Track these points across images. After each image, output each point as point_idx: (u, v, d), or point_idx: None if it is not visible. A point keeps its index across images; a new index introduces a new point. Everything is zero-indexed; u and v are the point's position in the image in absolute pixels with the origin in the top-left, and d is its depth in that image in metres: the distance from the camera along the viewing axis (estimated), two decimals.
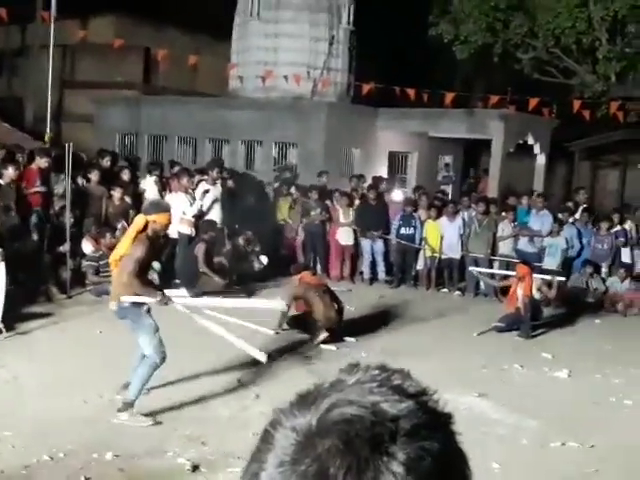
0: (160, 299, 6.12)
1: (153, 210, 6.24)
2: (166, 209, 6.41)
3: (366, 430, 0.69)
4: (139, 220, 6.18)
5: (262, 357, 6.52)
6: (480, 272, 11.85)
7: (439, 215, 12.81)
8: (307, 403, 0.74)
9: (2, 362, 7.27)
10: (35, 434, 5.59)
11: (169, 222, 6.40)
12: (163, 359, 6.05)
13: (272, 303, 8.70)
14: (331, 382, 0.77)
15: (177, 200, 11.47)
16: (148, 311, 6.11)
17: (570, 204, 13.84)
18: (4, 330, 8.14)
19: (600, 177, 21.37)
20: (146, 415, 6.04)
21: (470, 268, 12.06)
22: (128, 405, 6.00)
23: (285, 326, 9.12)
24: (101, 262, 10.43)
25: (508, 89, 17.70)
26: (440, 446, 0.71)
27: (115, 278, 6.24)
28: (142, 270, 6.12)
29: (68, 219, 10.31)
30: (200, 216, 11.72)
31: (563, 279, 11.36)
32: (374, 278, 13.05)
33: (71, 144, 10.45)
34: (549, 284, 10.83)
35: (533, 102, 16.40)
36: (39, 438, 5.52)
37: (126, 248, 6.05)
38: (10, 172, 10.24)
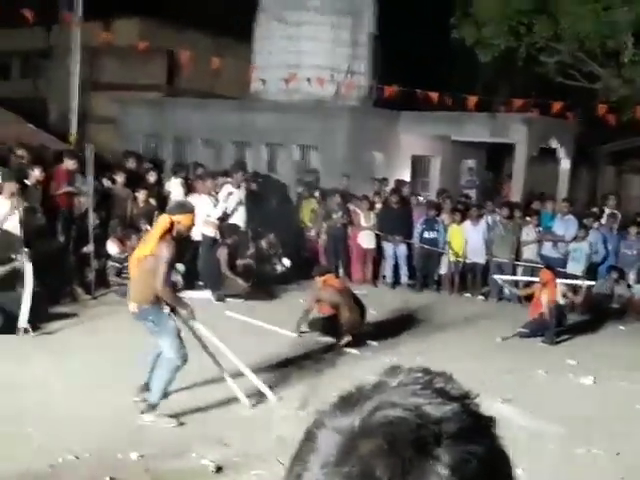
0: (189, 313, 6.10)
1: (178, 211, 6.19)
2: (190, 210, 6.34)
3: (410, 432, 0.69)
4: (164, 220, 6.09)
5: (269, 395, 6.42)
6: (504, 280, 11.78)
7: (463, 219, 12.75)
8: (350, 405, 0.74)
9: (28, 361, 7.33)
10: (60, 433, 5.63)
11: (193, 223, 6.34)
12: (185, 361, 6.00)
13: (285, 331, 8.83)
14: (373, 384, 0.77)
15: (201, 202, 11.50)
16: (170, 312, 6.06)
17: (595, 209, 13.71)
18: (30, 330, 8.20)
19: (624, 182, 21.18)
20: (170, 416, 6.05)
21: (494, 276, 11.98)
22: (151, 407, 6.00)
23: (306, 329, 9.14)
24: (125, 264, 10.48)
25: (532, 93, 17.57)
26: (485, 449, 0.70)
27: (136, 279, 6.10)
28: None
29: (92, 220, 10.39)
30: (224, 218, 11.76)
31: (592, 283, 11.25)
32: (397, 282, 13.03)
33: (92, 146, 10.54)
34: (575, 290, 10.75)
35: (557, 106, 16.28)
36: (64, 437, 5.55)
37: (150, 248, 5.96)
38: (36, 173, 10.34)
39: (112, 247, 10.84)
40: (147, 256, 5.95)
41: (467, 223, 12.70)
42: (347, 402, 0.74)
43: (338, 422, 0.72)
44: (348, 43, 16.90)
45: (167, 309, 6.06)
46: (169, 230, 6.00)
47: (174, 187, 12.62)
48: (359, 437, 0.70)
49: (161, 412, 6.03)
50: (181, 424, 6.02)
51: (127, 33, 19.93)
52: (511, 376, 8.08)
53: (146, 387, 6.29)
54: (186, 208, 6.35)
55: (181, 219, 6.05)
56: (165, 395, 6.09)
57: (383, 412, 0.71)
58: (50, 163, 12.24)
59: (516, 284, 11.98)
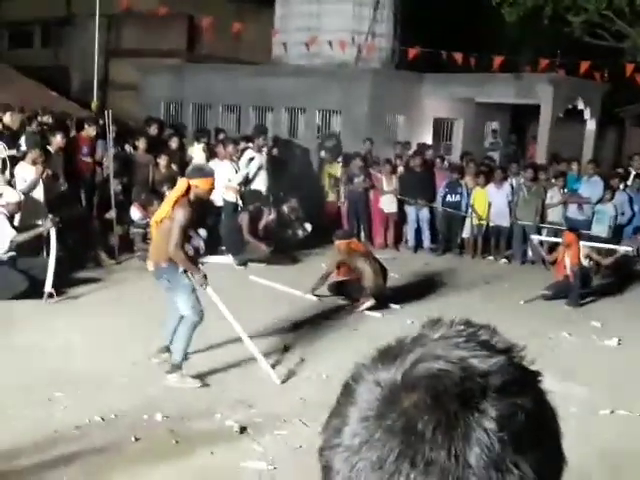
0: (201, 278, 6.07)
1: (196, 174, 6.17)
2: (209, 174, 6.30)
3: (455, 385, 0.67)
4: (181, 184, 6.11)
5: (275, 379, 6.32)
6: (540, 241, 11.59)
7: (487, 182, 12.62)
8: (390, 357, 0.71)
9: (53, 326, 7.43)
10: (86, 395, 5.72)
11: (212, 187, 6.29)
12: (201, 318, 6.06)
13: (308, 295, 8.82)
14: (413, 337, 0.74)
15: (222, 167, 11.49)
16: (184, 271, 6.07)
17: (621, 170, 13.49)
18: (55, 295, 8.30)
19: None
20: (194, 377, 6.11)
21: (532, 236, 11.79)
22: (176, 367, 6.07)
23: (325, 292, 9.12)
24: (148, 229, 10.55)
25: (557, 52, 17.24)
26: (532, 402, 0.69)
27: (155, 240, 6.21)
28: (185, 237, 6.10)
29: (113, 186, 10.44)
30: (245, 184, 11.75)
31: (629, 249, 11.07)
32: (419, 246, 12.97)
33: (110, 112, 10.55)
34: (607, 252, 10.63)
35: (584, 66, 15.97)
36: (90, 399, 5.64)
37: (167, 211, 5.98)
38: (58, 140, 10.38)
39: (135, 213, 10.89)
40: (164, 219, 6.00)
41: (491, 186, 12.56)
42: (387, 355, 0.72)
43: (378, 375, 0.70)
44: (369, 5, 16.65)
45: (182, 268, 6.07)
46: (186, 193, 6.01)
47: (196, 153, 12.62)
48: (401, 390, 0.68)
49: (185, 372, 6.09)
50: (205, 385, 6.09)
51: None
52: (534, 338, 8.03)
53: (166, 349, 6.35)
54: (204, 172, 6.33)
55: (199, 183, 6.04)
56: (186, 356, 6.15)
57: (426, 365, 0.69)
58: (72, 130, 12.30)
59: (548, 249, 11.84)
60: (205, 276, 6.15)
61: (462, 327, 0.75)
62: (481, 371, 0.68)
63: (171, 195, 6.19)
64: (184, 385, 6.00)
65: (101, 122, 11.48)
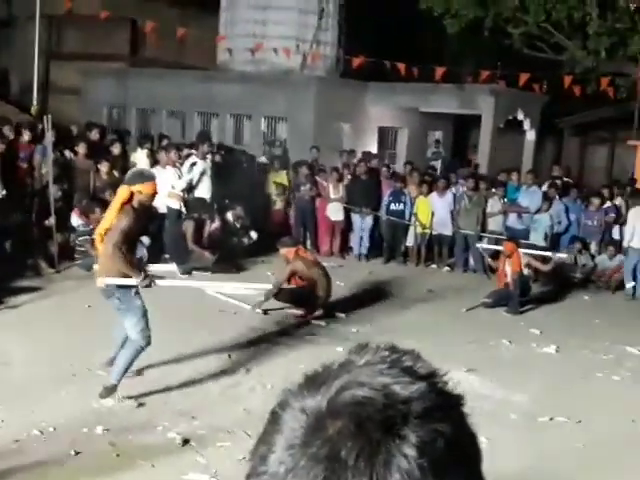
0: (142, 279, 5.84)
1: (137, 180, 5.93)
2: (151, 178, 6.10)
3: (378, 412, 0.67)
4: (123, 191, 5.88)
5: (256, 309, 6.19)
6: (484, 249, 11.73)
7: (430, 191, 12.78)
8: (316, 384, 0.72)
9: None
10: (25, 408, 5.59)
11: (155, 191, 6.09)
12: (148, 343, 5.88)
13: (256, 285, 8.66)
14: (340, 363, 0.75)
15: (165, 174, 11.39)
16: (137, 292, 5.89)
17: (557, 180, 13.81)
18: None
19: (589, 154, 21.39)
20: (130, 398, 5.90)
21: (477, 244, 11.91)
22: (111, 390, 5.84)
23: (272, 306, 8.90)
24: (93, 235, 10.36)
25: (498, 64, 17.61)
26: (452, 428, 0.69)
27: (102, 253, 5.98)
28: (129, 245, 5.88)
29: (52, 192, 10.21)
30: (189, 190, 11.64)
31: (563, 256, 11.34)
32: (366, 254, 13.02)
33: (49, 116, 10.34)
34: (544, 259, 10.86)
35: (523, 77, 16.35)
36: (29, 412, 5.51)
37: (111, 221, 5.82)
38: None
39: (75, 219, 10.69)
40: (108, 230, 5.83)
41: (434, 195, 12.73)
42: (313, 382, 0.73)
43: (304, 402, 0.70)
44: (314, 13, 16.73)
45: (134, 288, 5.86)
46: (128, 201, 5.84)
47: (140, 159, 12.46)
48: (326, 417, 0.68)
49: (121, 395, 5.86)
50: (141, 405, 5.90)
51: (89, 2, 19.48)
52: (475, 346, 8.18)
53: (112, 362, 6.21)
54: (145, 177, 6.07)
55: (141, 188, 5.85)
56: (123, 376, 5.94)
57: (350, 392, 0.69)
58: (11, 135, 12.01)
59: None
60: (147, 275, 5.96)
61: (387, 353, 0.75)
62: (403, 398, 0.69)
63: (113, 204, 5.99)
64: (118, 407, 5.78)
65: (40, 127, 11.25)
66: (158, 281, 6.31)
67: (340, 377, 0.71)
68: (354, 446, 0.66)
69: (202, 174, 11.82)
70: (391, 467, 0.65)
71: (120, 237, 5.72)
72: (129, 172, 6.41)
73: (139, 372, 6.37)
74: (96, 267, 6.24)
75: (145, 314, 5.89)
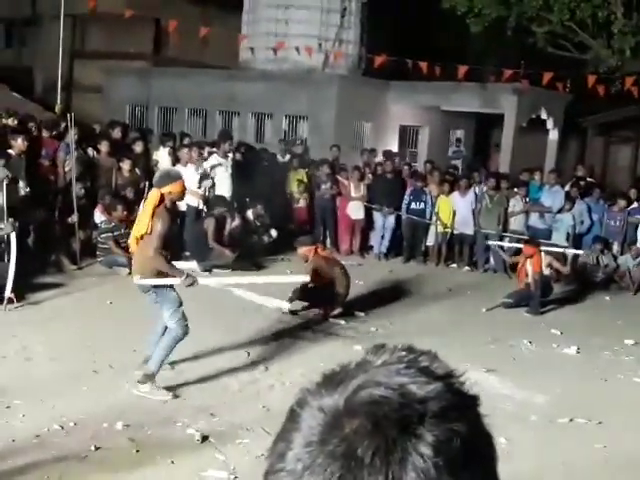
0: (185, 279, 6.03)
1: (165, 182, 6.06)
2: (178, 177, 6.21)
3: (394, 412, 0.69)
4: (154, 195, 6.01)
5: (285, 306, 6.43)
6: (501, 246, 11.68)
7: (451, 190, 12.73)
8: (334, 383, 0.73)
9: (13, 332, 7.32)
10: (46, 403, 5.64)
11: (184, 189, 6.24)
12: (186, 333, 6.03)
13: (294, 278, 8.63)
14: (357, 362, 0.76)
15: (187, 172, 11.45)
16: (171, 285, 6.05)
17: (581, 180, 13.70)
18: (15, 300, 8.18)
19: (612, 153, 21.20)
20: (166, 389, 6.01)
21: (490, 242, 11.88)
22: (149, 377, 5.96)
23: (298, 306, 8.87)
24: (116, 232, 10.45)
25: (521, 63, 17.50)
26: (468, 428, 0.71)
27: (138, 254, 6.11)
28: (165, 245, 6.01)
29: (75, 190, 10.31)
30: (210, 188, 11.71)
31: (579, 252, 11.27)
32: (385, 253, 13.02)
33: (72, 114, 10.44)
34: (562, 259, 10.78)
35: (547, 76, 16.24)
36: (50, 407, 5.56)
37: (147, 225, 5.91)
38: (19, 143, 10.21)
39: (99, 216, 10.77)
40: (144, 235, 5.93)
41: (455, 194, 12.67)
42: (331, 381, 0.74)
43: (322, 401, 0.72)
44: (337, 11, 16.73)
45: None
46: (160, 203, 5.94)
47: (162, 157, 12.54)
48: (343, 416, 0.70)
49: (158, 384, 5.98)
50: (176, 397, 5.98)
51: (113, 1, 19.64)
52: (495, 346, 8.14)
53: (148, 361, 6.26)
54: (172, 177, 6.20)
55: (171, 189, 5.97)
56: (162, 365, 6.07)
57: (367, 391, 0.71)
58: (35, 133, 12.12)
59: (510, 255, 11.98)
60: (189, 275, 6.11)
61: (404, 353, 0.76)
62: (419, 397, 0.70)
63: (146, 208, 6.08)
64: (155, 397, 5.90)
65: (63, 124, 11.34)
66: (200, 280, 6.40)
67: (357, 376, 0.73)
68: (370, 444, 0.67)
69: (224, 174, 11.88)
70: (407, 465, 0.67)
71: (159, 242, 5.87)
72: (155, 175, 6.53)
73: (172, 365, 6.48)
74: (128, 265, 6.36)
75: (181, 305, 6.04)
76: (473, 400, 0.75)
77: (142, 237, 5.97)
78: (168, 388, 6.07)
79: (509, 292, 10.03)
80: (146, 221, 5.94)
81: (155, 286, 6.01)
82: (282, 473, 0.71)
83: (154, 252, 5.87)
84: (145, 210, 6.12)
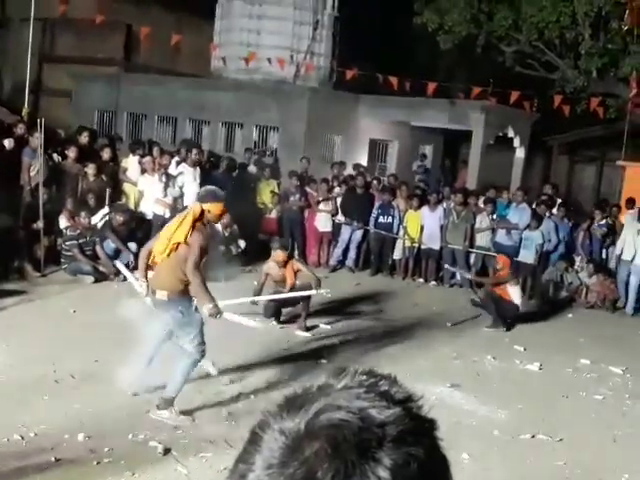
0: (213, 307, 5.76)
1: (209, 199, 5.86)
2: (221, 198, 5.97)
3: (354, 435, 0.70)
4: (196, 208, 5.81)
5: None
6: (451, 268, 11.96)
7: (420, 205, 12.82)
8: (295, 407, 0.74)
9: None
10: (6, 412, 5.54)
11: (223, 212, 6.04)
12: (202, 357, 5.93)
13: (311, 292, 8.68)
14: (319, 386, 0.77)
15: (153, 181, 11.41)
16: (196, 306, 5.85)
17: (545, 197, 13.89)
18: None
19: (577, 172, 21.57)
20: (185, 414, 5.84)
21: (446, 266, 12.08)
22: (168, 402, 5.80)
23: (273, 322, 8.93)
24: (81, 240, 10.33)
25: (490, 81, 17.74)
26: (425, 452, 0.72)
27: (165, 266, 5.81)
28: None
29: (42, 195, 10.17)
30: (177, 197, 11.64)
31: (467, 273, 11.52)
32: (351, 267, 13.03)
33: (43, 120, 10.30)
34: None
35: (514, 95, 16.48)
36: (10, 417, 5.47)
37: (185, 234, 5.70)
38: None
39: (64, 222, 10.63)
40: (180, 244, 5.73)
41: (425, 209, 12.76)
42: (293, 404, 0.75)
43: (283, 424, 0.73)
44: (309, 24, 16.81)
45: (195, 301, 5.83)
46: (200, 218, 5.79)
47: (131, 164, 12.42)
48: (303, 439, 0.70)
49: (177, 409, 5.80)
50: (194, 420, 5.83)
51: (85, 5, 19.48)
52: (459, 361, 8.20)
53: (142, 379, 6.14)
54: (217, 197, 5.94)
55: (212, 208, 5.81)
56: (180, 390, 5.90)
57: (327, 415, 0.71)
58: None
59: (468, 268, 12.13)
60: (216, 306, 5.82)
61: (364, 377, 0.78)
62: (379, 422, 0.71)
63: (187, 219, 5.79)
64: (173, 422, 5.72)
65: (22, 129, 11.17)
66: (225, 314, 6.17)
67: (318, 400, 0.74)
68: (330, 467, 0.68)
69: (191, 183, 11.81)
70: None
71: (198, 257, 5.67)
72: (202, 189, 6.30)
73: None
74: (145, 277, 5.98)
75: (202, 328, 5.87)
76: (431, 424, 0.77)
77: (178, 245, 5.74)
78: (184, 412, 5.87)
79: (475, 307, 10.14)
80: (186, 228, 5.71)
81: (183, 305, 5.77)
82: None
83: (194, 266, 5.63)
84: (186, 221, 5.81)
